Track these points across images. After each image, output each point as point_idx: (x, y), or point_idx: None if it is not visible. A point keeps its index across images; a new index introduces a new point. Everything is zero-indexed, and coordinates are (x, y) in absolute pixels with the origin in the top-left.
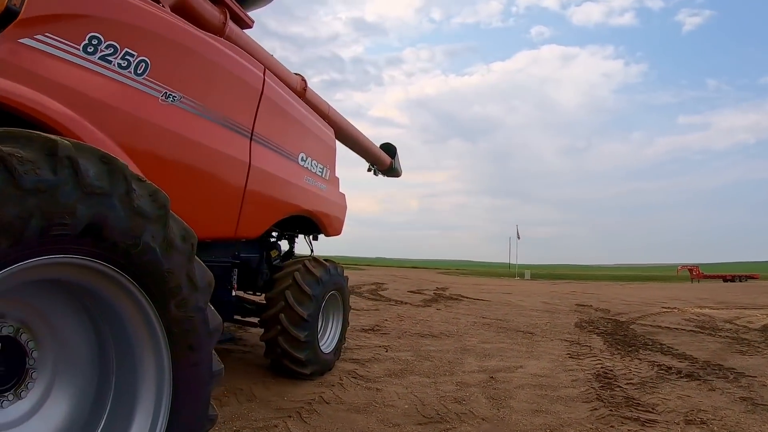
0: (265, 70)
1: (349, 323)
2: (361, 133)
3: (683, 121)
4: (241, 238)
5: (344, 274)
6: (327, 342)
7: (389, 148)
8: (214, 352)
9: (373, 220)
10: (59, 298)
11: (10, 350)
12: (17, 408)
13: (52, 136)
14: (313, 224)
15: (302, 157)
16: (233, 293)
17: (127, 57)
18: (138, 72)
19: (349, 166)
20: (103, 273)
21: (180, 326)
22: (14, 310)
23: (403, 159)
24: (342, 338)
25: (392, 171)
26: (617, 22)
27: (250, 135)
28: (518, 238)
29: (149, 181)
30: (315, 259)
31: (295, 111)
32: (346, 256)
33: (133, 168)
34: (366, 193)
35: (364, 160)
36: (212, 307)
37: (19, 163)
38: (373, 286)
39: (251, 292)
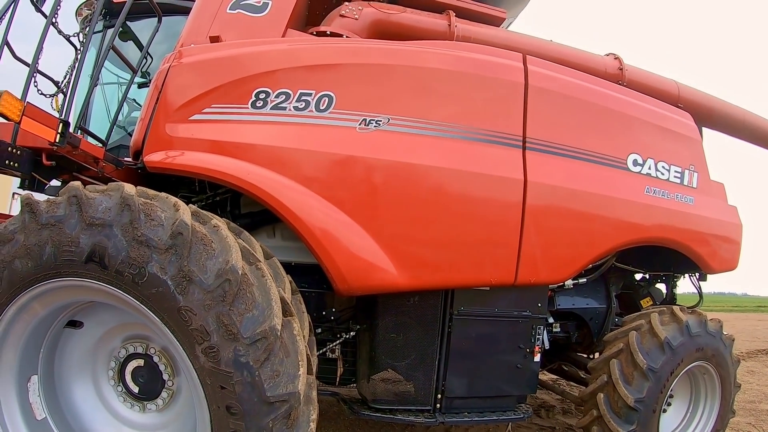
0: (525, 58)
1: (734, 412)
2: (752, 114)
3: None
4: (531, 284)
5: (723, 333)
6: None
7: None
8: None
9: None
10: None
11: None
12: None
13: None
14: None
15: (635, 161)
16: (536, 358)
17: (303, 98)
18: (321, 108)
19: None
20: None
21: (213, 379)
22: (158, 337)
23: None
24: None
25: None
26: None
27: (521, 143)
28: None
29: (170, 209)
30: (671, 311)
31: (606, 100)
32: None
33: (343, 205)
34: None
35: None
36: (300, 373)
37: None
38: None
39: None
